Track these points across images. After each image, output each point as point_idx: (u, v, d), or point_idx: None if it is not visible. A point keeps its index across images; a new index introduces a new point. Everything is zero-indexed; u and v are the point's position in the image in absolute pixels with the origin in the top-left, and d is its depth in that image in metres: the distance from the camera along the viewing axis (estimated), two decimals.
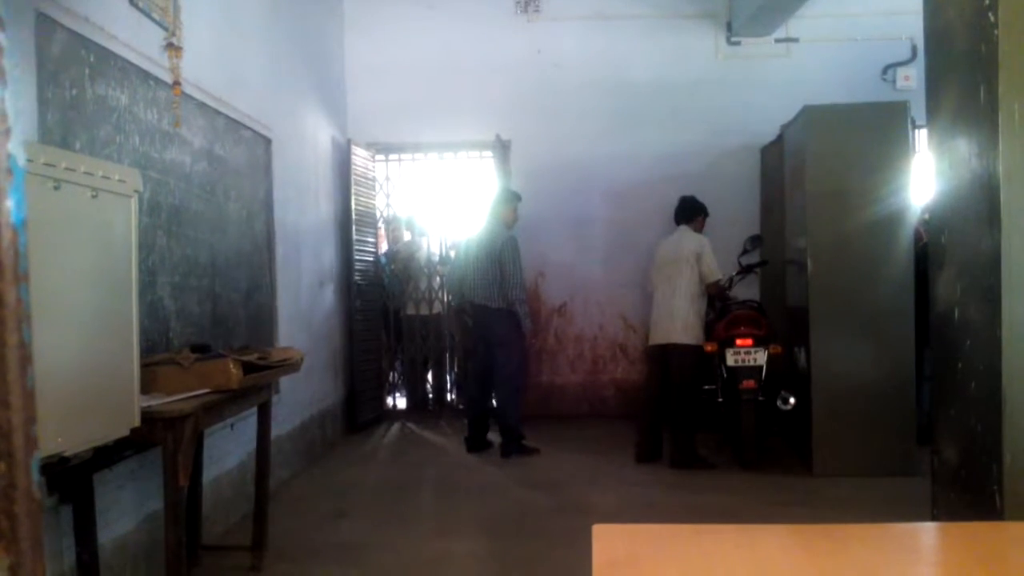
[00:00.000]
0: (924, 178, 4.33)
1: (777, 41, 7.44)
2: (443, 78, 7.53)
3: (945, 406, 2.86)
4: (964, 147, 2.67)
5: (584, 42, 7.54)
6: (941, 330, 2.90)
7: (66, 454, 2.12)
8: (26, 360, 0.50)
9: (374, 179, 7.64)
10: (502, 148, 7.28)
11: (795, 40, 7.43)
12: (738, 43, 7.48)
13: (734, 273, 6.43)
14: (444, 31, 7.56)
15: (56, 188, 2.07)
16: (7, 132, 0.51)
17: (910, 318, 5.08)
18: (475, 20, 7.57)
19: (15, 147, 0.51)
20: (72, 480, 2.74)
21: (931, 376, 3.14)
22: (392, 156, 7.81)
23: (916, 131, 5.69)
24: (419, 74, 7.53)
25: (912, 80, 7.21)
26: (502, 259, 5.96)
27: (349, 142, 7.14)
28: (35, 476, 0.51)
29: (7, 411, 0.49)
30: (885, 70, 7.39)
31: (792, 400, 5.38)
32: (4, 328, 0.49)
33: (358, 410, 7.06)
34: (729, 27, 7.46)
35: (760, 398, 5.32)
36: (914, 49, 7.23)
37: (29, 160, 1.95)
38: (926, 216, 4.81)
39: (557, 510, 4.58)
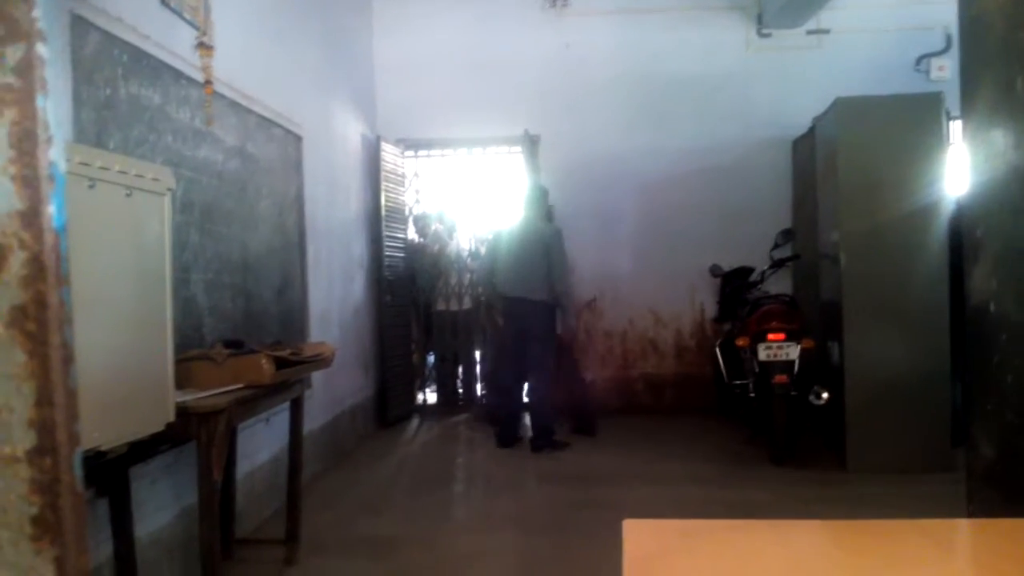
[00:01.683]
0: (959, 170, 4.27)
1: (808, 33, 7.36)
2: (471, 73, 7.54)
3: (981, 401, 2.83)
4: (1000, 139, 2.63)
5: (613, 36, 7.51)
6: (977, 324, 2.86)
7: (103, 449, 2.16)
8: (68, 359, 0.51)
9: (403, 175, 7.67)
10: (531, 143, 7.28)
11: (826, 31, 7.35)
12: (769, 35, 7.42)
13: (766, 267, 6.39)
14: (472, 26, 7.57)
15: (91, 187, 2.10)
16: (49, 140, 0.52)
17: (945, 312, 5.01)
18: (503, 15, 7.57)
19: (56, 155, 0.52)
20: (109, 474, 2.79)
21: (966, 371, 3.10)
22: (421, 152, 7.83)
23: (950, 123, 5.61)
24: (447, 70, 7.55)
25: (946, 71, 7.10)
26: (551, 251, 6.00)
27: (378, 138, 7.17)
28: (77, 471, 0.52)
29: (51, 408, 0.51)
30: (918, 61, 7.28)
31: (825, 395, 5.34)
32: (47, 329, 0.50)
33: (389, 405, 7.10)
34: (759, 19, 7.39)
35: (792, 393, 5.28)
36: (948, 39, 7.12)
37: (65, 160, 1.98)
38: (960, 209, 4.74)
39: (588, 505, 4.58)
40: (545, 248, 6.01)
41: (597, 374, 7.56)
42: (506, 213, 6.86)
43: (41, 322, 0.50)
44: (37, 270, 0.50)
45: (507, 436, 6.21)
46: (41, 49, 0.52)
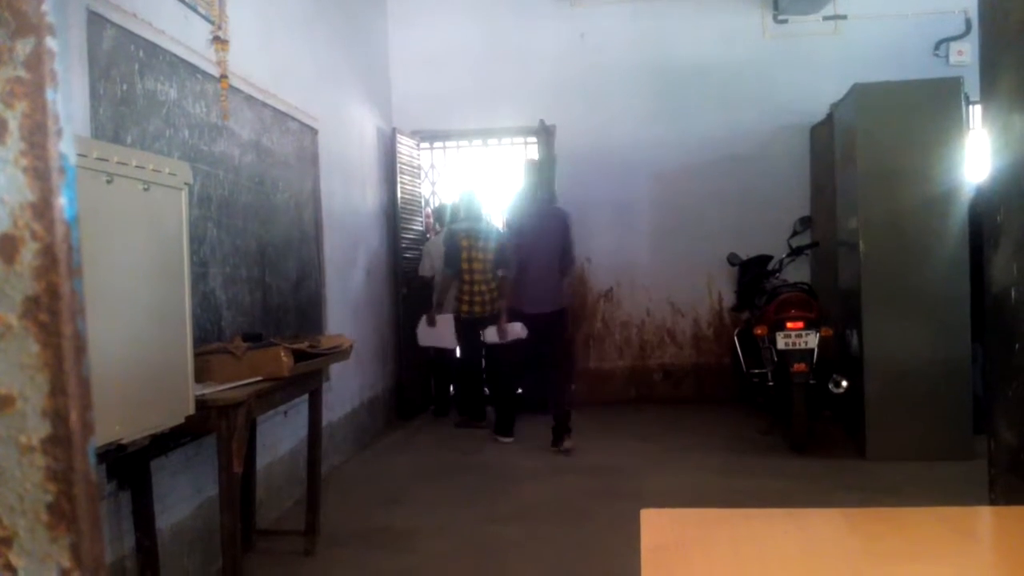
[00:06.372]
0: (979, 156, 4.23)
1: (825, 18, 7.29)
2: (487, 65, 7.53)
3: (1002, 388, 2.80)
4: (1021, 124, 2.60)
5: (628, 25, 7.47)
6: (997, 311, 2.83)
7: (124, 441, 2.17)
8: (81, 350, 0.52)
9: (419, 167, 7.68)
10: (546, 133, 7.27)
11: (843, 17, 7.28)
12: (785, 21, 7.36)
13: (784, 256, 6.36)
14: (487, 17, 7.55)
15: (109, 182, 2.11)
16: (59, 132, 0.53)
17: (965, 298, 4.97)
18: (518, 5, 7.55)
19: (66, 147, 0.53)
20: (130, 467, 2.82)
21: (986, 358, 3.07)
22: (437, 144, 7.83)
23: (970, 108, 5.56)
24: (463, 61, 7.54)
25: (966, 55, 7.02)
26: None
27: (394, 131, 7.18)
28: (91, 460, 0.53)
29: (65, 398, 0.51)
30: (937, 45, 7.20)
31: (844, 383, 5.31)
32: (60, 319, 0.51)
33: (407, 397, 7.12)
34: (776, 5, 7.33)
35: (811, 381, 5.26)
36: (968, 22, 7.04)
37: (82, 155, 2.00)
38: (980, 195, 4.70)
39: (606, 495, 4.59)
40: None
41: (614, 364, 7.55)
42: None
43: (54, 313, 0.51)
44: (49, 261, 0.51)
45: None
46: (50, 43, 0.53)
